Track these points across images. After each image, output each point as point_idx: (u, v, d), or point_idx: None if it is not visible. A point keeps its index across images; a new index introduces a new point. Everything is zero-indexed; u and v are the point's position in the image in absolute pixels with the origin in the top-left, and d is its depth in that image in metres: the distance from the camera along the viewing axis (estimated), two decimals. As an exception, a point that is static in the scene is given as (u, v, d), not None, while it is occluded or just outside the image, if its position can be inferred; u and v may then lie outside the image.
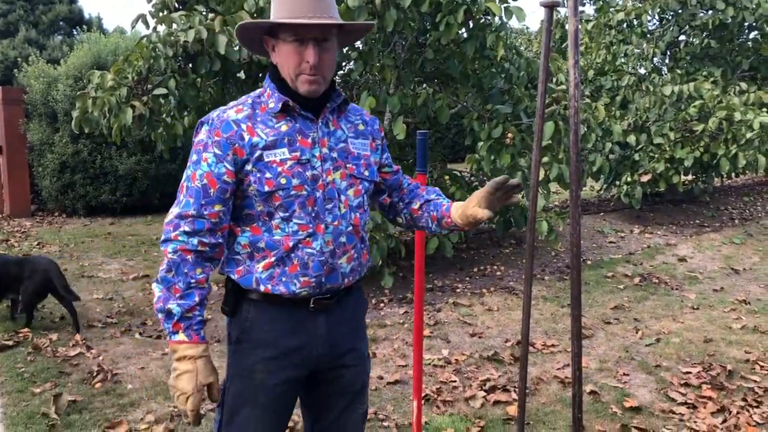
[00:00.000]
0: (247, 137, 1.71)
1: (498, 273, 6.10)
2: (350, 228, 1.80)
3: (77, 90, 8.10)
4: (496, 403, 3.64)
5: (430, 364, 4.16)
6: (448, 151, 13.58)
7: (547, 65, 2.09)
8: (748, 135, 6.79)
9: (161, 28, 5.08)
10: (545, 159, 5.22)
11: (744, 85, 7.99)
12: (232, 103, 1.80)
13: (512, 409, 3.53)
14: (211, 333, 4.72)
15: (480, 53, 5.31)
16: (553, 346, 4.46)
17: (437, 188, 2.02)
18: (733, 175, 9.25)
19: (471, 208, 1.83)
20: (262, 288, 1.75)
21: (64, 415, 3.37)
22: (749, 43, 9.37)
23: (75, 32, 18.87)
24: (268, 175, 1.70)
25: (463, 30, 5.19)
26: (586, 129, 5.68)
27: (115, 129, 4.80)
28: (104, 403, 3.55)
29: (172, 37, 4.76)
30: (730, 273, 6.23)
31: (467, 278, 6.03)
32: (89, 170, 8.71)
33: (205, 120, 1.75)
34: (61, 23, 19.09)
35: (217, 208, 1.70)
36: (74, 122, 4.83)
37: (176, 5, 5.29)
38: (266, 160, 1.71)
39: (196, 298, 1.68)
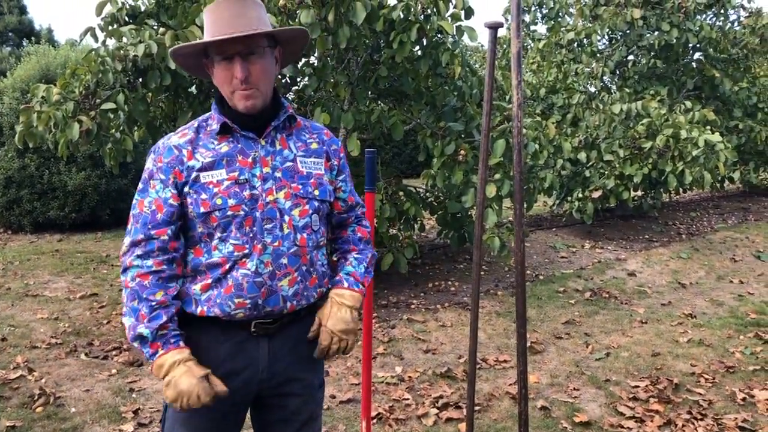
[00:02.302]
0: (186, 161, 1.73)
1: (452, 288, 6.13)
2: (294, 249, 1.77)
3: (23, 103, 7.90)
4: (449, 420, 3.64)
5: (383, 381, 4.14)
6: (406, 165, 13.66)
7: (492, 85, 2.11)
8: (694, 152, 6.99)
9: (111, 42, 5.00)
10: (497, 176, 5.28)
11: (689, 104, 8.23)
12: (180, 128, 1.82)
13: (464, 426, 3.53)
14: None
15: (433, 71, 5.36)
16: (505, 361, 4.49)
17: (362, 255, 1.98)
18: (680, 190, 9.50)
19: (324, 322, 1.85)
20: (198, 309, 1.74)
21: (2, 442, 3.24)
22: (693, 63, 9.69)
23: (24, 43, 18.45)
24: (203, 196, 1.71)
25: (417, 47, 5.23)
26: (537, 146, 5.77)
27: (62, 144, 4.68)
28: (45, 428, 3.43)
29: (122, 51, 4.68)
30: (677, 287, 6.38)
31: (422, 294, 6.04)
32: (36, 185, 8.47)
33: (153, 149, 1.80)
34: (9, 34, 18.64)
35: (165, 228, 1.72)
36: (18, 137, 4.70)
37: (126, 19, 5.20)
38: (202, 181, 1.72)
39: (164, 317, 1.68)
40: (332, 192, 1.89)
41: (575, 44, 9.46)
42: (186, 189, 1.73)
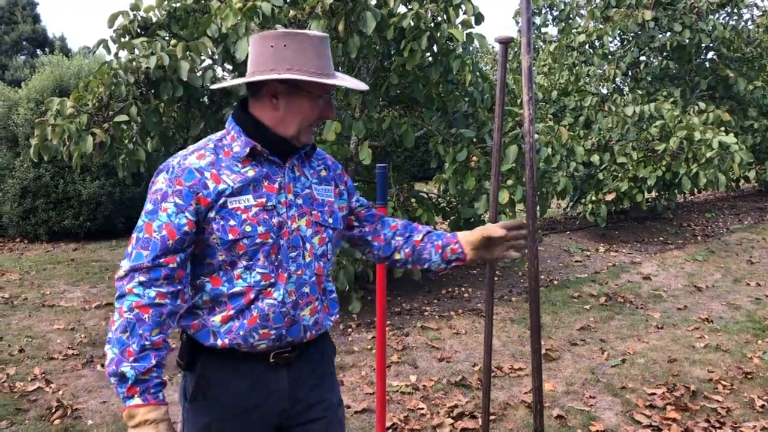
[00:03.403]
0: (212, 185, 1.63)
1: (466, 295, 6.12)
2: (313, 278, 1.74)
3: (38, 114, 7.98)
4: (464, 430, 3.63)
5: (398, 391, 4.13)
6: (417, 169, 13.65)
7: (503, 100, 2.10)
8: (708, 154, 6.94)
9: (123, 54, 5.03)
10: (510, 182, 5.26)
11: (703, 105, 8.18)
12: (191, 148, 1.71)
13: (479, 437, 3.52)
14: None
15: (444, 78, 5.35)
16: (520, 369, 4.47)
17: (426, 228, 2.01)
18: (695, 191, 9.43)
19: (482, 229, 1.90)
20: (219, 342, 1.66)
21: (20, 456, 3.27)
22: (707, 63, 9.62)
23: (39, 52, 18.63)
24: (232, 222, 1.63)
25: (428, 55, 5.23)
26: (549, 151, 5.74)
27: (76, 156, 4.72)
28: (63, 441, 3.46)
29: (134, 63, 4.71)
30: (693, 291, 6.33)
31: (435, 301, 6.03)
32: (51, 195, 8.55)
33: (164, 168, 1.67)
34: (24, 43, 18.84)
35: (174, 256, 1.61)
36: (33, 150, 4.74)
37: (138, 31, 5.24)
38: (230, 207, 1.63)
39: (153, 360, 1.56)
40: (343, 219, 1.88)
41: (587, 46, 9.42)
42: (211, 215, 1.63)
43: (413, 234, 1.97)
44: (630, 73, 9.73)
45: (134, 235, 1.64)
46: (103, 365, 4.51)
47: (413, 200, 6.04)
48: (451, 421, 3.72)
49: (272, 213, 1.67)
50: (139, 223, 1.65)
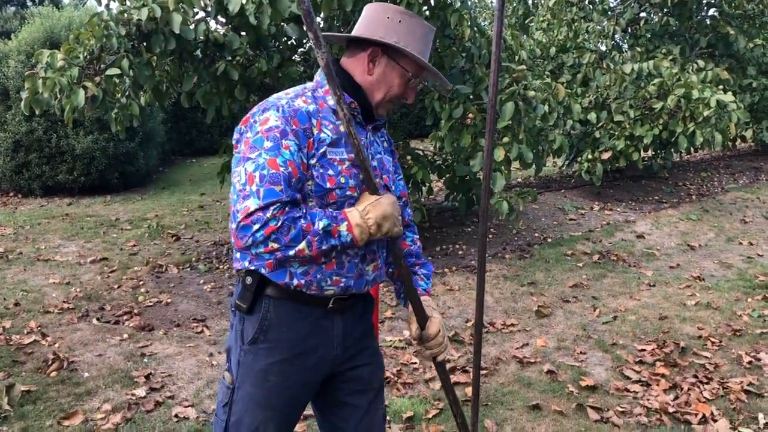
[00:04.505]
0: (316, 132, 1.68)
1: (460, 252, 6.14)
2: (378, 247, 1.84)
3: (29, 67, 7.85)
4: (456, 384, 3.68)
5: (391, 346, 4.18)
6: (413, 126, 13.55)
7: (500, 56, 2.07)
8: (706, 113, 6.89)
9: (114, 5, 4.93)
10: (505, 139, 5.23)
11: (702, 63, 8.08)
12: (291, 92, 1.74)
13: (471, 390, 3.57)
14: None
15: (441, 32, 5.27)
16: (512, 325, 4.52)
17: (427, 270, 2.03)
18: (691, 150, 9.40)
19: (421, 319, 1.87)
20: (294, 282, 1.70)
21: (18, 406, 3.31)
22: (707, 20, 9.48)
23: (29, 3, 18.26)
24: (330, 172, 1.69)
25: (425, 8, 5.13)
26: (546, 108, 5.69)
27: (68, 110, 4.66)
28: (59, 392, 3.50)
29: (125, 15, 4.61)
30: (686, 249, 6.37)
31: (429, 257, 6.05)
32: (45, 149, 8.47)
33: (273, 106, 1.67)
34: (13, -6, 18.45)
35: (299, 195, 1.65)
36: (24, 104, 4.67)
37: (129, -19, 5.12)
38: (329, 157, 1.69)
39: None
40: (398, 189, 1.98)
41: (586, 1, 9.26)
42: (312, 161, 1.67)
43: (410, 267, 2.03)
44: (629, 30, 9.60)
45: (253, 174, 1.59)
46: (98, 319, 4.54)
47: (409, 158, 6.01)
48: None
49: (359, 169, 1.73)
50: (258, 159, 1.60)
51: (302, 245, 1.58)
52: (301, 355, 1.76)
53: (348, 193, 1.71)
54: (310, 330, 1.77)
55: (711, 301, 4.94)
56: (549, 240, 6.54)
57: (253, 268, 1.73)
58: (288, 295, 1.73)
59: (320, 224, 1.61)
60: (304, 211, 1.62)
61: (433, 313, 1.88)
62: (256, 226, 1.54)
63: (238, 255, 1.77)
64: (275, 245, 1.56)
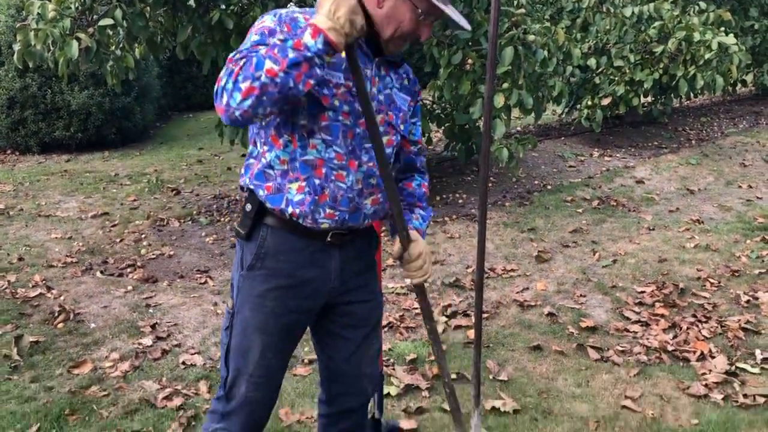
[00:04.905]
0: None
1: (460, 201, 6.15)
2: (379, 177, 1.80)
3: (19, 21, 7.71)
4: (457, 327, 3.74)
5: (393, 292, 4.23)
6: (411, 77, 13.42)
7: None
8: (707, 56, 6.80)
9: (104, -47, 4.82)
10: (505, 85, 5.18)
11: (703, 4, 7.94)
12: (293, 8, 1.74)
13: (472, 333, 3.63)
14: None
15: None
16: (512, 270, 4.56)
17: (426, 212, 2.01)
18: (691, 96, 9.32)
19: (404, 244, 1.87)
20: (289, 210, 1.73)
21: (27, 356, 3.36)
22: (710, -40, 9.27)
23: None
24: (325, 91, 1.68)
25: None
26: (546, 53, 5.62)
27: (61, 63, 4.60)
28: (67, 342, 3.55)
29: (116, -37, 4.52)
30: (685, 194, 6.38)
31: (430, 206, 6.06)
32: (40, 105, 8.39)
33: (272, 12, 1.71)
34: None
35: None
36: (17, 56, 4.61)
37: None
38: (325, 77, 1.67)
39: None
40: (408, 131, 1.94)
41: (586, -57, 9.03)
42: None
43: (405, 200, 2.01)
44: (630, -28, 9.39)
45: (232, 57, 1.58)
46: (102, 272, 4.57)
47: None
48: (445, 319, 3.82)
49: (356, 99, 1.70)
50: (241, 48, 1.61)
51: (268, 63, 1.49)
52: (297, 285, 1.79)
53: (341, 118, 1.70)
54: (306, 261, 1.79)
55: (710, 244, 4.97)
56: (549, 187, 6.54)
57: (252, 187, 1.76)
58: (285, 225, 1.76)
59: (276, 38, 1.58)
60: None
61: (419, 239, 1.87)
62: (224, 80, 1.54)
63: (242, 170, 1.81)
64: (247, 82, 1.50)
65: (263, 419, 1.92)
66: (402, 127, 1.87)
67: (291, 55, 1.50)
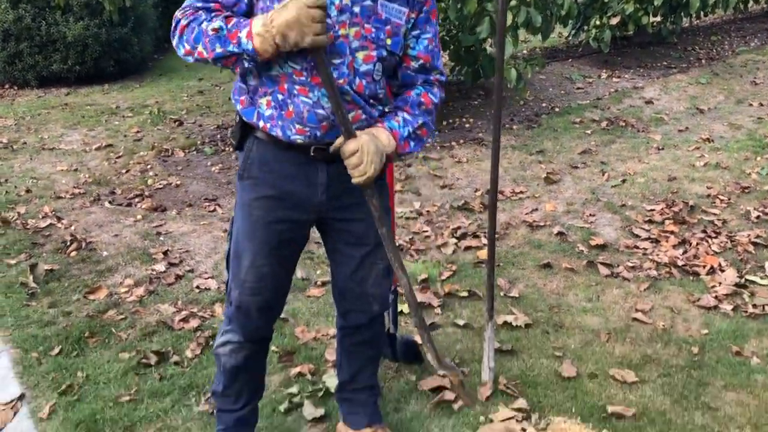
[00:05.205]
0: None
1: (467, 125, 6.08)
2: (355, 95, 1.72)
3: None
4: (467, 248, 3.75)
5: (402, 216, 4.22)
6: None
7: None
8: (720, -31, 6.59)
9: None
10: (512, 3, 5.03)
11: None
12: None
13: (482, 254, 3.65)
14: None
15: None
16: (521, 192, 4.54)
17: (413, 119, 1.82)
18: (702, 14, 9.07)
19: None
20: (261, 124, 1.74)
21: (43, 284, 3.40)
22: None
23: None
24: (277, 5, 1.59)
25: None
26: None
27: (56, -12, 4.47)
28: (81, 270, 3.58)
29: None
30: (695, 113, 6.29)
31: (436, 132, 6.00)
32: (35, 38, 8.20)
33: None
34: None
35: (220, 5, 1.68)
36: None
37: None
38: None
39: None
40: (403, 46, 1.78)
41: None
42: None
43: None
44: None
45: (186, 11, 1.67)
46: (110, 202, 4.57)
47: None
48: (455, 240, 3.84)
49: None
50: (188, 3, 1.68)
51: (200, 47, 1.62)
52: (280, 196, 1.80)
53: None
54: (291, 173, 1.79)
55: (720, 162, 4.93)
56: (557, 109, 6.45)
57: (233, 100, 1.82)
58: (269, 137, 1.76)
59: (213, 24, 1.61)
60: (213, 15, 1.63)
61: (362, 136, 1.69)
62: (174, 25, 1.66)
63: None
64: (188, 46, 1.64)
65: (260, 326, 1.97)
66: (389, 41, 1.73)
67: (218, 50, 1.60)
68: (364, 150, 1.67)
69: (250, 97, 1.76)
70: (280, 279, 1.92)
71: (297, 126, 1.71)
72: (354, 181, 1.70)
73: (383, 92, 1.81)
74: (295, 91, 1.68)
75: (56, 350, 2.82)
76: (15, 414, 2.46)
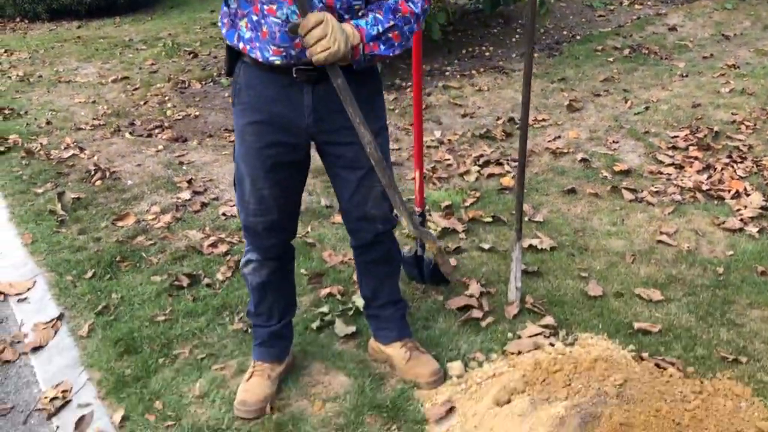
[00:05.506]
0: None
1: (487, 53, 5.98)
2: (320, 6, 1.65)
3: None
4: (490, 176, 3.75)
5: (423, 145, 4.20)
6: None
7: None
8: None
9: None
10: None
11: None
12: None
13: (506, 181, 3.65)
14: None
15: None
16: (543, 120, 4.50)
17: (384, 19, 1.71)
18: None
19: None
20: (241, 45, 1.76)
21: (71, 211, 3.44)
22: None
23: None
24: None
25: None
26: None
27: None
28: (107, 198, 3.62)
29: None
30: (720, 39, 6.14)
31: (456, 61, 5.91)
32: (43, -31, 8.09)
33: None
34: None
35: None
36: None
37: None
38: None
39: None
40: None
41: None
42: None
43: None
44: None
45: None
46: (130, 133, 4.58)
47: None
48: (477, 168, 3.83)
49: None
50: None
51: None
52: (271, 119, 1.81)
53: None
54: (277, 96, 1.79)
55: (745, 88, 4.84)
56: (578, 37, 6.32)
57: (220, 24, 1.83)
58: (253, 60, 1.76)
59: None
60: None
61: (325, 12, 1.60)
62: None
63: None
64: None
65: (273, 245, 2.02)
66: None
67: None
68: (328, 22, 1.56)
69: (231, 20, 1.77)
70: (281, 201, 1.94)
71: (272, 47, 1.70)
72: (315, 59, 1.58)
73: (360, 2, 1.72)
74: (265, 11, 1.67)
75: (89, 274, 2.88)
76: (56, 332, 2.54)
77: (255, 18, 1.69)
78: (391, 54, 1.75)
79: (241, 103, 1.85)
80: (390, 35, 1.72)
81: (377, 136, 1.90)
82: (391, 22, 1.70)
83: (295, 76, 1.75)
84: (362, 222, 2.03)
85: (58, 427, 2.12)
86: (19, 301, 2.78)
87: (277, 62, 1.72)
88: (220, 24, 1.83)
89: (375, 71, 1.93)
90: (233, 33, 1.77)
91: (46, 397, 2.22)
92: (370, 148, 1.71)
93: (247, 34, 1.73)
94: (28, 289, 2.84)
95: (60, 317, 2.62)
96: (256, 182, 1.89)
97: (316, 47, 1.56)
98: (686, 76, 5.21)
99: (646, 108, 4.60)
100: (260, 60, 1.73)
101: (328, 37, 1.55)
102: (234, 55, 1.82)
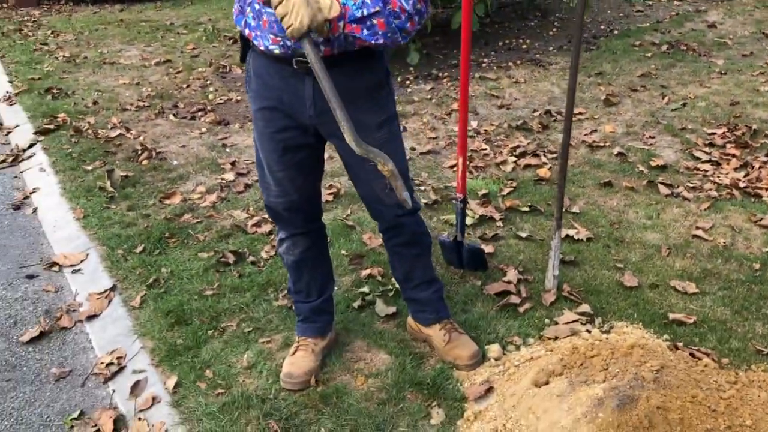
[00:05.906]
0: None
1: (524, 46, 6.00)
2: None
3: None
4: (527, 167, 3.80)
5: (467, 134, 4.26)
6: None
7: None
8: None
9: None
10: None
11: None
12: None
13: (542, 172, 3.70)
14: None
15: None
16: (580, 113, 4.53)
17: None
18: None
19: None
20: (246, 32, 1.80)
21: (120, 189, 3.57)
22: None
23: None
24: None
25: None
26: None
27: None
28: (154, 177, 3.74)
29: None
30: (760, 37, 6.09)
31: (493, 52, 5.94)
32: (87, -47, 8.26)
33: None
34: None
35: None
36: None
37: None
38: None
39: None
40: None
41: None
42: None
43: None
44: None
45: None
46: (174, 115, 4.70)
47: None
48: (514, 158, 3.88)
49: None
50: None
51: None
52: (276, 106, 1.88)
53: None
54: (281, 85, 1.84)
55: (786, 87, 4.82)
56: (615, 32, 6.31)
57: (233, 10, 1.86)
58: (261, 50, 1.81)
59: None
60: None
61: None
62: None
63: None
64: None
65: (297, 224, 2.11)
66: None
67: None
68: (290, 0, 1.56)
69: (241, 6, 1.80)
70: (298, 182, 2.00)
71: (271, 36, 1.74)
72: (288, 33, 1.57)
73: None
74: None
75: (140, 248, 3.00)
76: (109, 302, 2.66)
77: (257, 6, 1.74)
78: (374, 42, 1.69)
79: (252, 90, 1.92)
80: (374, 21, 1.67)
81: (382, 126, 1.94)
82: (378, 9, 1.66)
83: (295, 66, 1.79)
84: (380, 207, 2.07)
85: (114, 391, 2.24)
86: (73, 272, 2.91)
87: (276, 51, 1.77)
88: (234, 11, 1.86)
89: (377, 63, 1.90)
90: (241, 18, 1.81)
91: (102, 363, 2.34)
92: (349, 138, 1.64)
93: (252, 22, 1.78)
94: (81, 261, 2.97)
95: (113, 288, 2.74)
96: (271, 166, 1.97)
97: (283, 24, 1.57)
98: (725, 73, 5.19)
99: (684, 104, 4.60)
100: (262, 48, 1.79)
101: (290, 13, 1.55)
102: (246, 43, 1.88)
